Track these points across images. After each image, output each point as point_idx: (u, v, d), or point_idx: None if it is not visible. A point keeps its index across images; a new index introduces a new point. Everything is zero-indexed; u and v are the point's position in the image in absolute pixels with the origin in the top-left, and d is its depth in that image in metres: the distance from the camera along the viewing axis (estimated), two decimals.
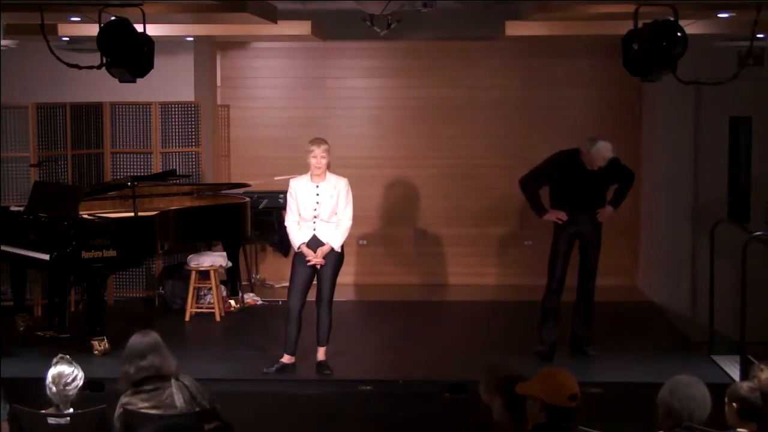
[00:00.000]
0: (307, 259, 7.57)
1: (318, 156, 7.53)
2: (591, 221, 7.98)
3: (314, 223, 7.60)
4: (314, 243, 7.61)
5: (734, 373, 7.58)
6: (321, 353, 7.76)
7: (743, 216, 8.13)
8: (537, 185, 8.06)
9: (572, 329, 8.14)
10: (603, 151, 7.76)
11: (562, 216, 7.93)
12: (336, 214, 7.62)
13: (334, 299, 7.78)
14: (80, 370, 5.07)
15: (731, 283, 8.24)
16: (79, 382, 5.03)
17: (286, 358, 7.72)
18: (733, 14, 7.49)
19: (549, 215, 8.00)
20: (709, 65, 8.09)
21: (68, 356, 5.12)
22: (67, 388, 4.99)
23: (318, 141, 7.62)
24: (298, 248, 7.63)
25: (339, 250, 7.66)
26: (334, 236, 7.61)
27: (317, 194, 7.59)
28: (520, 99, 11.10)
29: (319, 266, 7.61)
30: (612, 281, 10.75)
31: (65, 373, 4.99)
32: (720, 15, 7.58)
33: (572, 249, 8.05)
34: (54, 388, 4.98)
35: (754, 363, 5.22)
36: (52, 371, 5.01)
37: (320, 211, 7.58)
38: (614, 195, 8.11)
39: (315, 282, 7.74)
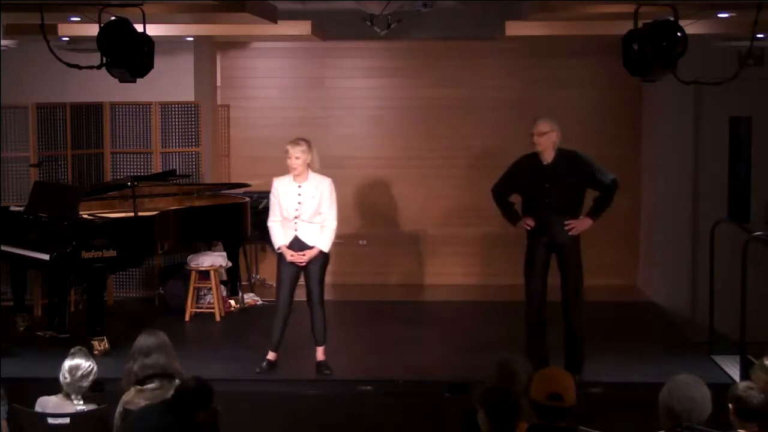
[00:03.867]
0: (290, 254, 7.54)
1: (293, 156, 7.50)
2: (564, 231, 7.47)
3: (295, 223, 7.56)
4: (297, 244, 7.58)
5: (734, 373, 7.58)
6: (320, 353, 7.76)
7: (743, 216, 8.12)
8: (506, 191, 7.72)
9: (565, 351, 7.66)
10: (540, 124, 7.37)
11: (530, 222, 7.53)
12: (319, 214, 7.57)
13: (334, 300, 7.78)
14: (95, 363, 5.21)
15: (731, 283, 8.23)
16: (94, 376, 5.18)
17: (271, 355, 7.74)
18: (733, 14, 7.49)
19: (521, 222, 7.61)
20: (709, 65, 8.09)
21: (85, 348, 5.26)
22: (82, 379, 5.12)
23: (294, 141, 7.58)
24: (278, 249, 7.63)
25: (327, 252, 7.64)
26: (322, 239, 7.58)
27: (299, 194, 7.56)
28: (520, 99, 11.09)
29: (300, 264, 7.59)
30: (612, 281, 10.78)
31: (82, 366, 5.13)
32: (720, 15, 7.57)
33: (548, 261, 7.60)
34: (68, 378, 5.12)
35: (755, 362, 5.21)
36: (69, 362, 5.15)
37: (302, 211, 7.54)
38: (594, 204, 7.57)
39: (303, 282, 7.73)
